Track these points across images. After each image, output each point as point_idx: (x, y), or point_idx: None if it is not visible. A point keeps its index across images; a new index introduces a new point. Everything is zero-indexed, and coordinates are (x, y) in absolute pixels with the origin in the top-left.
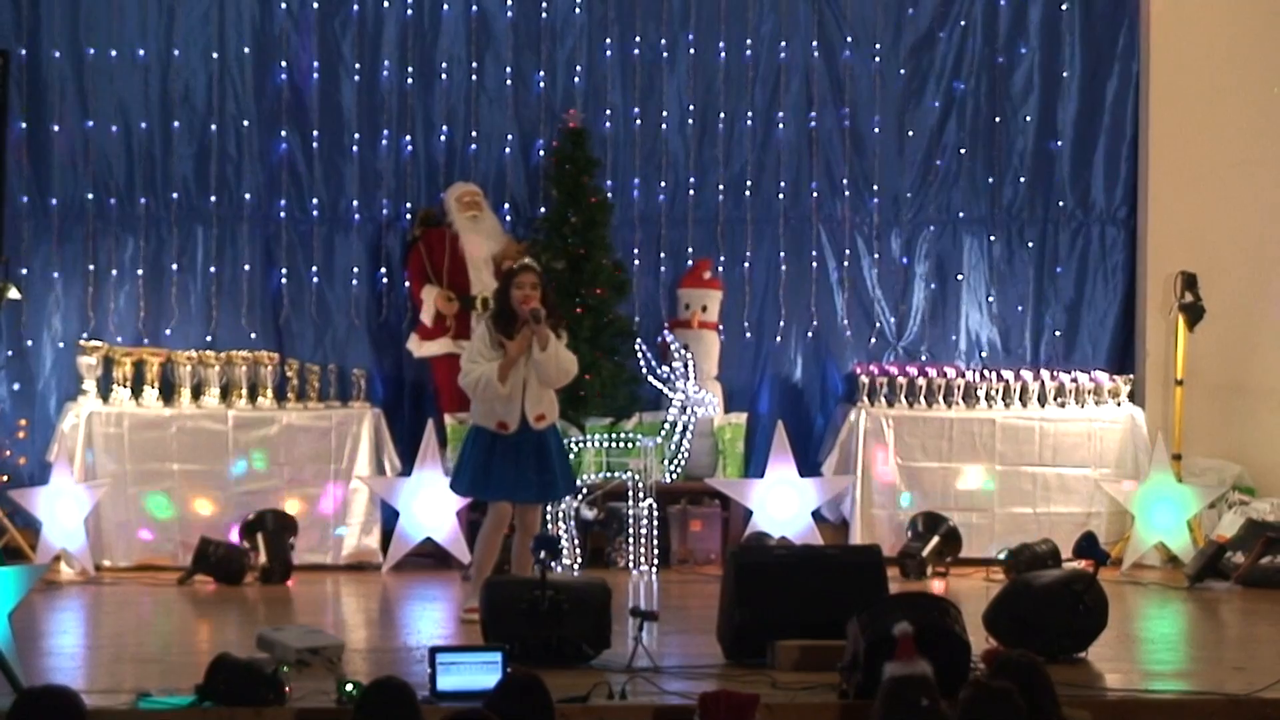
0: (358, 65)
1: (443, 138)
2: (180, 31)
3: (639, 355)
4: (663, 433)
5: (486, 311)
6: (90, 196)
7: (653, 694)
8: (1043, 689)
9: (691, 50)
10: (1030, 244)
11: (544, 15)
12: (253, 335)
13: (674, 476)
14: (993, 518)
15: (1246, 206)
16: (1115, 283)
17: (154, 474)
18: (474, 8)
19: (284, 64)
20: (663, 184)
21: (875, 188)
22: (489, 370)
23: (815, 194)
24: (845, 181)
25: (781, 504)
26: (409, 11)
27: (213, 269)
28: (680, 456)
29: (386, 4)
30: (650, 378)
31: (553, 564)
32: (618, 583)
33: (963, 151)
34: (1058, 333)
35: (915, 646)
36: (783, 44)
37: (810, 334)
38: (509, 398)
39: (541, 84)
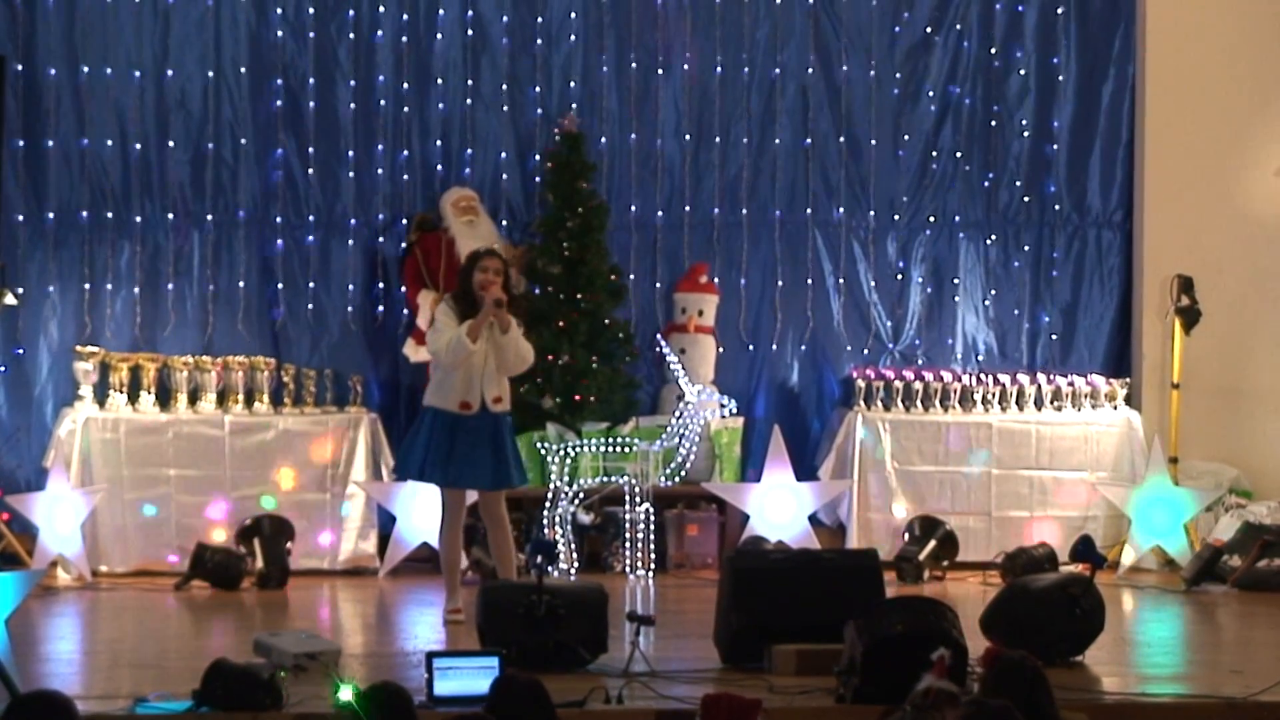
0: (354, 71)
1: (439, 144)
2: (176, 37)
3: (662, 353)
4: (664, 436)
5: (449, 292)
6: (86, 202)
7: (650, 698)
8: (1041, 691)
9: (687, 55)
10: (1026, 247)
11: (539, 22)
12: (249, 340)
13: (677, 479)
14: (989, 521)
15: (1243, 209)
16: (1111, 286)
17: (151, 479)
18: (469, 14)
19: (280, 70)
20: (659, 188)
21: (871, 192)
22: (459, 331)
23: (811, 198)
24: (841, 186)
25: (778, 508)
26: (405, 19)
27: (209, 274)
28: (687, 459)
29: (382, 11)
30: (679, 380)
31: (549, 568)
32: (614, 587)
33: (958, 155)
34: (1054, 336)
35: (948, 670)
36: (779, 48)
37: (807, 338)
38: (470, 374)
39: (537, 89)
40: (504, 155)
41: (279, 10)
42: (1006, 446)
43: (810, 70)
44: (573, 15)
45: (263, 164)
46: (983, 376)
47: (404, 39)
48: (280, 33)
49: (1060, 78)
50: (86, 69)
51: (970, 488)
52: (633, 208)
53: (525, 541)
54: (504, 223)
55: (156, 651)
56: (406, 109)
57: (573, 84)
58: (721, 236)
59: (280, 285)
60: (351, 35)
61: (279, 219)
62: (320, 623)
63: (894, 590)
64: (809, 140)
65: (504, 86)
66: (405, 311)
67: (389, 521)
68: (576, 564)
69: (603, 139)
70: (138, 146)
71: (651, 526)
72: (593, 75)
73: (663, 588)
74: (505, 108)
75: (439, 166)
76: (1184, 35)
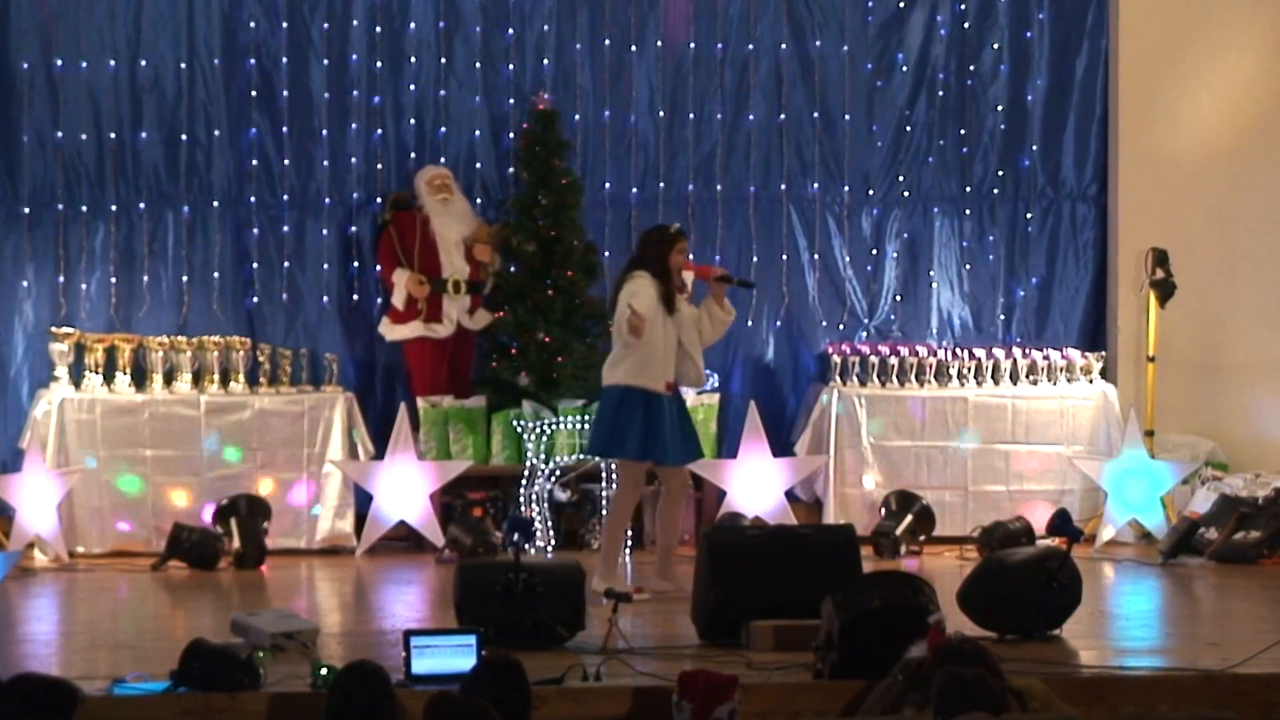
0: (327, 49)
1: (412, 121)
2: (148, 17)
3: None
4: None
5: (639, 270)
6: (61, 183)
7: (628, 675)
8: (985, 667)
9: (661, 32)
10: (1001, 222)
11: (512, 0)
12: (224, 321)
13: None
14: (966, 496)
15: (1217, 182)
16: (1086, 260)
17: (127, 460)
18: None
19: (253, 49)
20: (633, 165)
21: (845, 167)
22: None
23: (785, 174)
24: (815, 161)
25: (755, 484)
26: None
27: (184, 255)
28: None
29: None
30: None
31: (526, 546)
32: (591, 564)
33: (932, 130)
34: (1029, 310)
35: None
36: (752, 24)
37: (782, 314)
38: (667, 354)
39: (511, 67)
40: (478, 134)
41: None
42: (983, 421)
43: (783, 45)
44: None
45: (236, 145)
46: (958, 351)
47: (377, 16)
48: (253, 10)
49: (1033, 52)
50: (60, 50)
51: (947, 462)
52: (607, 185)
53: (501, 519)
54: (478, 201)
55: (134, 632)
56: (380, 86)
57: (546, 62)
58: (696, 213)
59: (255, 266)
60: (324, 12)
61: (253, 200)
62: (297, 602)
63: (871, 565)
64: (783, 116)
65: (477, 65)
66: (380, 290)
67: (365, 500)
68: (553, 541)
69: (576, 116)
70: (111, 128)
71: None
72: (566, 53)
73: (640, 565)
74: (479, 86)
75: (413, 146)
76: (1156, 7)
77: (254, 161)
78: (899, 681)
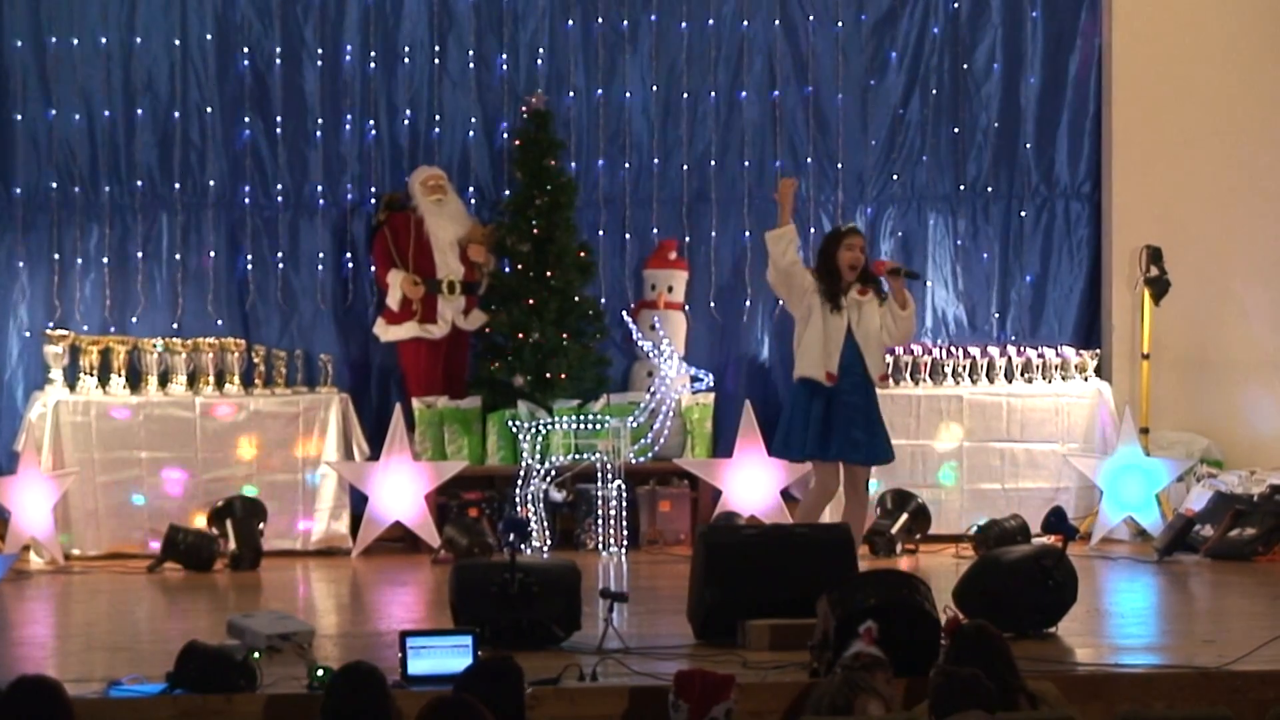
0: (320, 50)
1: (406, 121)
2: (142, 18)
3: (628, 326)
4: (637, 411)
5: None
6: (54, 185)
7: (624, 675)
8: (1001, 659)
9: (654, 30)
10: (995, 220)
11: None
12: (219, 322)
13: (648, 456)
14: (961, 494)
15: (1210, 179)
16: (1080, 258)
17: (122, 462)
18: None
19: (246, 49)
20: (627, 165)
21: (839, 165)
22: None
23: (779, 172)
24: (809, 160)
25: (750, 483)
26: None
27: (178, 256)
28: (660, 434)
29: None
30: (650, 355)
31: (521, 546)
32: (587, 564)
33: (926, 128)
34: (1024, 308)
35: (874, 639)
36: (744, 22)
37: (776, 313)
38: (833, 344)
39: (504, 66)
40: (472, 134)
41: None
42: (978, 419)
43: (777, 44)
44: None
45: (230, 144)
46: (953, 349)
47: (370, 15)
48: (246, 10)
49: (1027, 50)
50: (53, 51)
51: (942, 461)
52: (601, 185)
53: (497, 520)
54: (472, 201)
55: (130, 634)
56: (374, 86)
57: (540, 62)
58: (690, 212)
59: (250, 267)
60: (318, 12)
61: (247, 200)
62: (293, 604)
63: (867, 564)
64: (776, 114)
65: (471, 65)
66: (375, 291)
67: (361, 502)
68: (549, 542)
69: (570, 116)
70: (105, 130)
71: (624, 503)
72: (559, 53)
73: (636, 564)
74: (472, 87)
75: (407, 147)
76: (1149, 6)
77: (248, 162)
78: (840, 674)
